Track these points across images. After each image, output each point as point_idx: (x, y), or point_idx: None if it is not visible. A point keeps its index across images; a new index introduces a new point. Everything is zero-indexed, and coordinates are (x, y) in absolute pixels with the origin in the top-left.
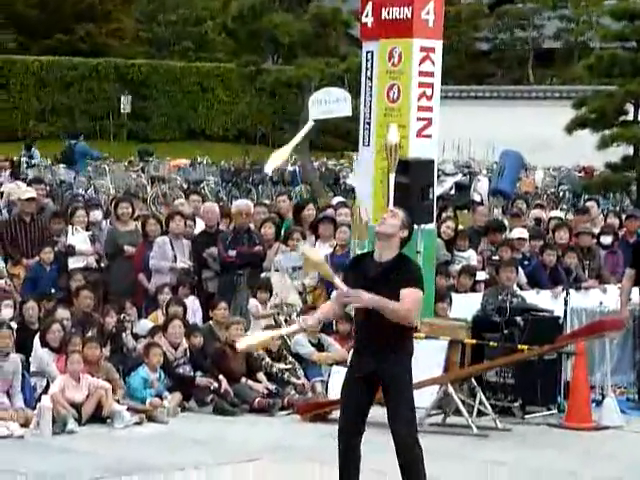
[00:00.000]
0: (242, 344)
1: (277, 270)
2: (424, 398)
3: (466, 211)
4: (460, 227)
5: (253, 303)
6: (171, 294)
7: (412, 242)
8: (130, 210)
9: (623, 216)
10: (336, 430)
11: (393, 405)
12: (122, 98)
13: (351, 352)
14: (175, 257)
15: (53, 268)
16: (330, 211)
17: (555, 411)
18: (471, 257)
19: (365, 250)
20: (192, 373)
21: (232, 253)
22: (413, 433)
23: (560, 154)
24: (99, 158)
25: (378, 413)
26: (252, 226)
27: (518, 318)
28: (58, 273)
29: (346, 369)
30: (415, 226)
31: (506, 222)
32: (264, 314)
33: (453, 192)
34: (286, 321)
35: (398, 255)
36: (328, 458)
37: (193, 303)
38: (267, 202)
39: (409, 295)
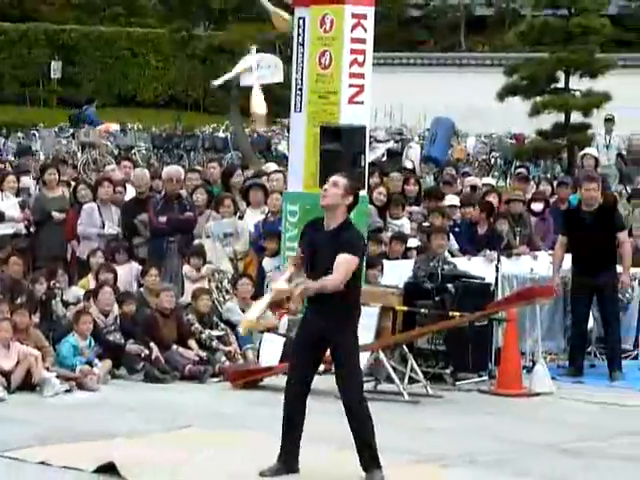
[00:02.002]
0: (243, 329)
1: (208, 237)
2: None
3: (398, 175)
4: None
5: (187, 268)
6: (103, 258)
7: None
8: (57, 176)
9: (554, 183)
10: (267, 397)
11: (338, 364)
12: (52, 64)
13: (284, 319)
14: (103, 223)
15: None
16: (257, 178)
17: (486, 378)
18: (404, 225)
19: None
20: (122, 340)
21: (162, 219)
22: (360, 390)
23: (491, 121)
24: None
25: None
26: (183, 192)
27: (449, 285)
28: None
29: (276, 336)
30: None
31: None
32: (198, 277)
33: (385, 159)
34: (217, 288)
35: (343, 222)
36: (259, 425)
37: (132, 269)
38: (199, 168)
39: (341, 263)
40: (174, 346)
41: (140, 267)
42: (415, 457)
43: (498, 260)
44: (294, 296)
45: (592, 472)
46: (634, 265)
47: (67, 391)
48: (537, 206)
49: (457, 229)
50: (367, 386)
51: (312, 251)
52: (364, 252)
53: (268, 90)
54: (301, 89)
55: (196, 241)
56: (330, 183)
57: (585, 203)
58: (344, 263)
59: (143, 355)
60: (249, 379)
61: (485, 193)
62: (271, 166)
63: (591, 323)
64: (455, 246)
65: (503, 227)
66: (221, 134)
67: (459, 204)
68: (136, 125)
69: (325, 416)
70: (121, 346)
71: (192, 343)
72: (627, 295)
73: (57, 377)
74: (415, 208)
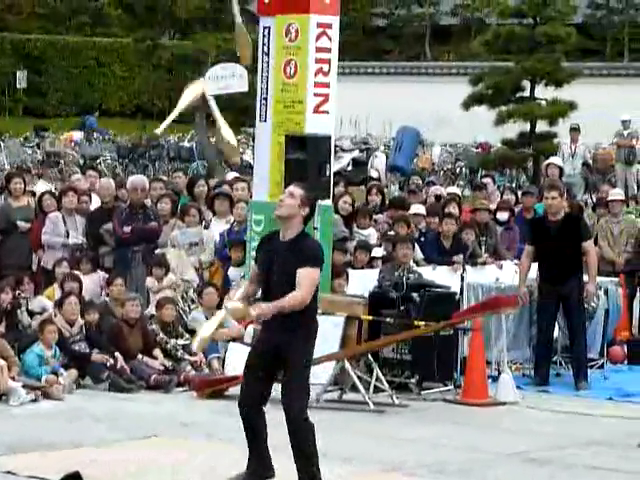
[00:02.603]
0: (197, 346)
1: (174, 246)
2: (321, 374)
3: (363, 187)
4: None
5: (150, 280)
6: (69, 268)
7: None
8: (22, 185)
9: (519, 192)
10: (232, 406)
11: (286, 380)
12: (18, 73)
13: (249, 328)
14: (68, 233)
15: None
16: (225, 187)
17: (452, 387)
18: (372, 235)
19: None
20: (88, 350)
21: (127, 229)
22: (304, 408)
23: (457, 130)
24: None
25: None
26: (148, 202)
27: (414, 294)
28: None
29: (242, 345)
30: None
31: None
32: (159, 289)
33: (350, 168)
34: (183, 297)
35: (299, 234)
36: (224, 434)
37: (98, 278)
38: (164, 178)
39: (304, 277)
40: (139, 355)
41: (106, 276)
42: (380, 466)
43: (463, 269)
44: (250, 317)
45: None
46: (599, 274)
47: (33, 401)
48: (502, 215)
49: (422, 239)
50: (332, 395)
51: (269, 263)
52: (323, 261)
53: (233, 99)
54: (266, 98)
55: (158, 250)
56: (286, 194)
57: (549, 212)
58: (307, 277)
59: (108, 364)
60: (214, 388)
61: (445, 202)
62: (230, 174)
63: (556, 332)
64: (420, 255)
65: (469, 236)
66: (186, 144)
67: (425, 213)
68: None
69: None
70: (86, 355)
71: (157, 352)
72: (593, 304)
73: (23, 387)
74: (380, 216)
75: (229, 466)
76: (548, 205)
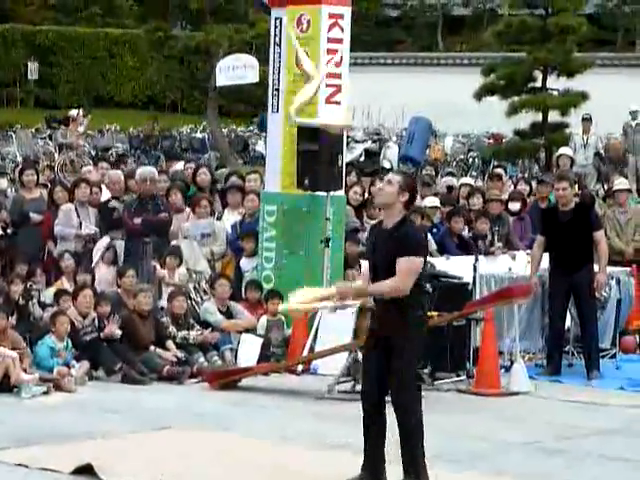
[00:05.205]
0: (291, 306)
1: (186, 237)
2: (334, 365)
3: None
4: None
5: (161, 271)
6: (72, 260)
7: (321, 209)
8: (35, 177)
9: (533, 183)
10: (245, 398)
11: (391, 371)
12: (29, 64)
13: (262, 319)
14: (80, 224)
15: None
16: (235, 179)
17: (464, 377)
18: None
19: None
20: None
21: (137, 221)
22: (408, 398)
23: (469, 121)
24: None
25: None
26: (157, 193)
27: (427, 285)
28: None
29: (254, 337)
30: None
31: None
32: (173, 282)
33: (363, 159)
34: (195, 288)
35: (400, 220)
36: (237, 426)
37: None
38: (170, 169)
39: (403, 266)
40: (152, 347)
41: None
42: (392, 457)
43: (476, 260)
44: (351, 293)
45: (570, 471)
46: (609, 264)
47: (45, 393)
48: (514, 206)
49: (435, 230)
50: (345, 386)
51: (373, 252)
52: (427, 250)
53: (244, 91)
54: (278, 89)
55: (173, 242)
56: (385, 181)
57: (559, 202)
58: (406, 266)
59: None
60: (227, 380)
61: (469, 193)
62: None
63: (569, 322)
64: (433, 246)
65: (484, 226)
66: (199, 135)
67: (439, 205)
68: (113, 126)
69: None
70: (99, 348)
71: (170, 344)
72: (604, 294)
73: (37, 379)
74: None
75: (240, 457)
76: (558, 196)
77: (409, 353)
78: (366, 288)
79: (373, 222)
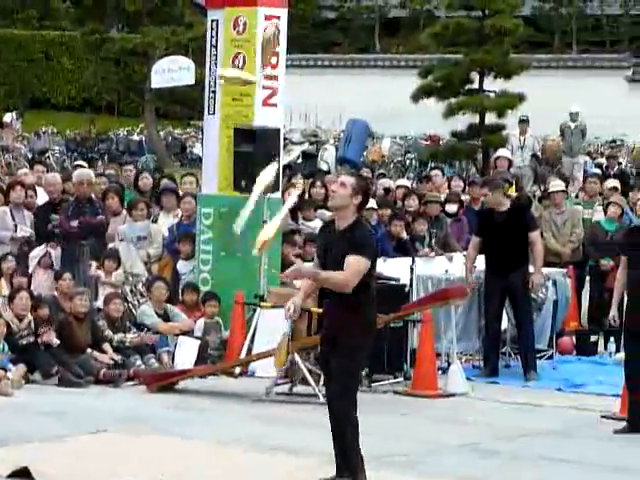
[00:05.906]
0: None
1: (122, 240)
2: (271, 367)
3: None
4: None
5: (95, 270)
6: (14, 262)
7: (258, 211)
8: None
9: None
10: (182, 400)
11: (333, 372)
12: None
13: (199, 321)
14: (16, 227)
15: None
16: (167, 182)
17: (401, 379)
18: (317, 227)
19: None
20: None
21: (74, 223)
22: (345, 402)
23: (407, 123)
24: None
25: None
26: (94, 196)
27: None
28: None
29: (191, 339)
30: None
31: None
32: (110, 282)
33: (300, 161)
34: (132, 291)
35: (353, 222)
36: (174, 428)
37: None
38: (109, 172)
39: (352, 264)
40: (89, 350)
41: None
42: (329, 458)
43: (413, 262)
44: (301, 272)
45: (508, 472)
46: (545, 266)
47: None
48: (451, 207)
49: (373, 231)
50: (283, 388)
51: (324, 253)
52: (376, 253)
53: (180, 93)
54: (214, 91)
55: (110, 245)
56: (338, 183)
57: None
58: (355, 264)
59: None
60: (164, 382)
61: (404, 195)
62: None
63: (505, 323)
64: None
65: (422, 227)
66: (135, 137)
67: (376, 207)
68: (50, 129)
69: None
70: (35, 351)
71: (107, 347)
72: (540, 295)
73: None
74: (325, 211)
75: (177, 460)
76: (486, 201)
77: (357, 353)
78: (319, 272)
79: (308, 223)
